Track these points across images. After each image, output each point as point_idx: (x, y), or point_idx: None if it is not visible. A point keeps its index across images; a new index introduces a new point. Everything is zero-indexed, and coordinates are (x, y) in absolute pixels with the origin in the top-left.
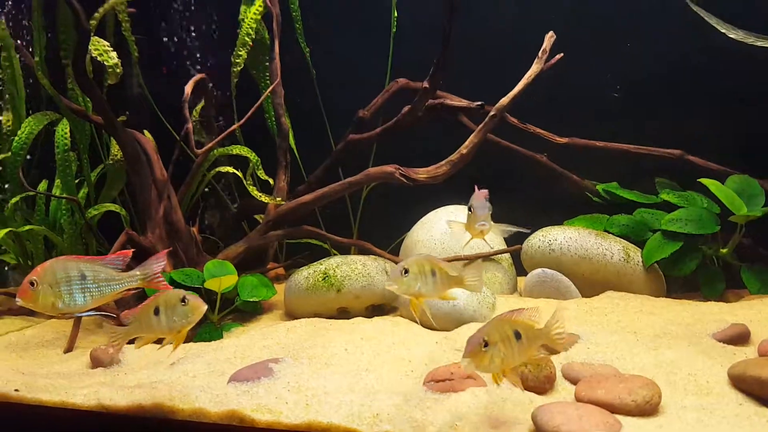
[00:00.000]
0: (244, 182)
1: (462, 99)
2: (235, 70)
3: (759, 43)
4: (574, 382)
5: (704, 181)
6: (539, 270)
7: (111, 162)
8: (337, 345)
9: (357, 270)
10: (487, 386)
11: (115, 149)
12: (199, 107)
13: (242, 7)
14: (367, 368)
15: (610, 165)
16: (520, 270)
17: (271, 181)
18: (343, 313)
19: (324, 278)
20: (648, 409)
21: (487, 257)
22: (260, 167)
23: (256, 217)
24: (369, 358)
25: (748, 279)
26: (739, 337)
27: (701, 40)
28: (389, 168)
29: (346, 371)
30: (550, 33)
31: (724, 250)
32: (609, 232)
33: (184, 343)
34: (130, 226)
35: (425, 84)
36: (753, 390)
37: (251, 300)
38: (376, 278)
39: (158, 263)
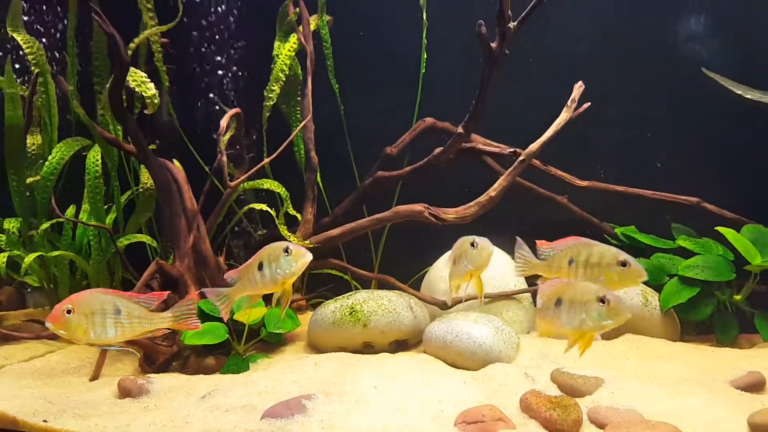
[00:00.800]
0: (276, 221)
1: (494, 143)
2: (267, 104)
3: None
4: (600, 426)
5: (722, 229)
6: None
7: (141, 190)
8: (366, 382)
9: (383, 306)
10: (517, 428)
11: (146, 177)
12: (226, 138)
13: (276, 43)
14: (398, 408)
15: (627, 208)
16: None
17: (299, 216)
18: (368, 348)
19: (351, 313)
20: None
21: (509, 296)
22: (289, 202)
23: None
24: (399, 396)
25: (761, 326)
26: (755, 385)
27: (721, 94)
28: (418, 207)
29: (377, 410)
30: (579, 83)
31: (738, 297)
32: None
33: (211, 374)
34: (157, 254)
35: (460, 129)
36: None
37: (277, 332)
38: (402, 314)
39: (188, 306)
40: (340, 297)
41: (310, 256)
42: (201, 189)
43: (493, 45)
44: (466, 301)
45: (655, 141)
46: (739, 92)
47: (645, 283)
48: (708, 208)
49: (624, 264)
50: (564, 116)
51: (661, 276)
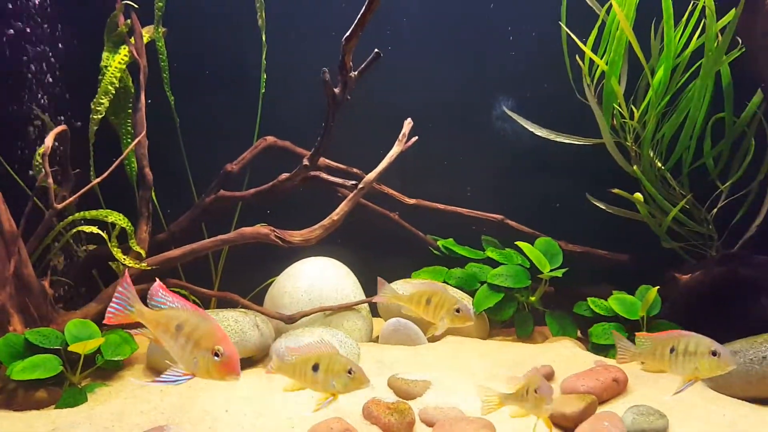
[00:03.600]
0: (109, 244)
1: (339, 171)
2: (95, 117)
3: (558, 139)
4: (430, 425)
5: (520, 244)
6: (394, 320)
7: None
8: (217, 406)
9: (230, 326)
10: None
11: None
12: (40, 151)
13: (105, 54)
14: (251, 428)
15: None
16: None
17: (133, 243)
18: None
19: None
20: None
21: (349, 307)
22: (133, 237)
23: (112, 265)
24: (251, 419)
25: (550, 323)
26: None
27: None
28: (264, 229)
29: None
30: (408, 120)
31: (533, 299)
32: (447, 283)
33: (46, 408)
34: None
35: (305, 162)
36: (560, 422)
37: (115, 359)
38: (248, 333)
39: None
40: None
41: (369, 385)
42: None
43: (336, 90)
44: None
45: (470, 168)
46: (531, 129)
47: (459, 288)
48: (510, 224)
49: (715, 353)
50: (396, 149)
51: (474, 283)
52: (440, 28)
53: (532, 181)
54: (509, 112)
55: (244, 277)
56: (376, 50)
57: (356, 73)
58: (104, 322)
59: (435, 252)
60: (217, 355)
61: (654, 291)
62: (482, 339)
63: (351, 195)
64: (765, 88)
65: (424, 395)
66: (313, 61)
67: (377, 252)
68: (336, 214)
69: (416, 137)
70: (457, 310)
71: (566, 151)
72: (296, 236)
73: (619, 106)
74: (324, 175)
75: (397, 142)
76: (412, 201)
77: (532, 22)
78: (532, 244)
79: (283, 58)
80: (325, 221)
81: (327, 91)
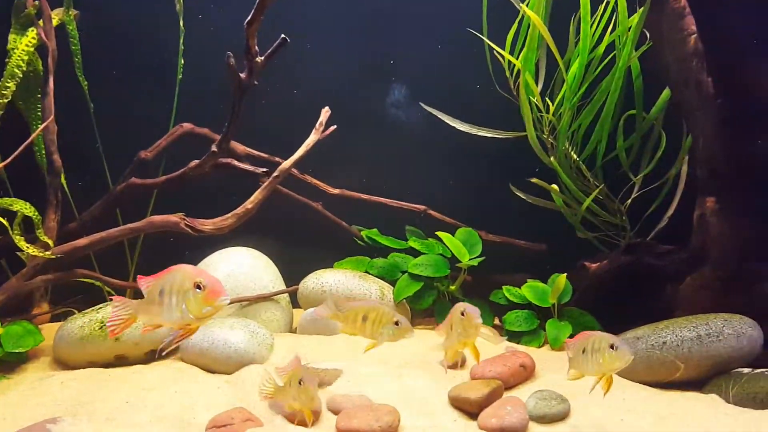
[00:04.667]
0: (11, 232)
1: (262, 154)
2: (1, 102)
3: (480, 133)
4: (335, 413)
5: (440, 234)
6: (312, 309)
7: None
8: (118, 398)
9: None
10: (264, 425)
11: None
12: None
13: (11, 36)
14: (151, 420)
15: (374, 213)
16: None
17: (39, 232)
18: (121, 360)
19: (101, 327)
20: None
21: (267, 298)
22: (41, 227)
23: (20, 255)
24: (152, 408)
25: None
26: (459, 363)
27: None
28: (174, 218)
29: (128, 426)
30: (326, 108)
31: (453, 287)
32: (370, 273)
33: None
34: None
35: (214, 148)
36: (465, 407)
37: (16, 351)
38: None
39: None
40: (89, 310)
41: (413, 334)
42: None
43: (242, 76)
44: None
45: (394, 159)
46: (453, 124)
47: (380, 277)
48: (432, 214)
49: (613, 347)
50: (313, 138)
51: (395, 272)
52: (362, 20)
53: (456, 172)
54: (428, 108)
55: (163, 268)
56: (282, 36)
57: (263, 58)
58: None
59: (359, 242)
60: (199, 287)
61: (563, 278)
62: None
63: (266, 183)
64: (671, 85)
65: (335, 384)
66: (232, 46)
67: (300, 242)
68: (250, 203)
69: (334, 126)
70: (396, 323)
71: (489, 142)
72: (208, 225)
73: (538, 100)
74: (235, 163)
75: (314, 131)
76: (335, 191)
77: (457, 15)
78: (454, 235)
79: (201, 43)
80: (239, 210)
81: (232, 77)
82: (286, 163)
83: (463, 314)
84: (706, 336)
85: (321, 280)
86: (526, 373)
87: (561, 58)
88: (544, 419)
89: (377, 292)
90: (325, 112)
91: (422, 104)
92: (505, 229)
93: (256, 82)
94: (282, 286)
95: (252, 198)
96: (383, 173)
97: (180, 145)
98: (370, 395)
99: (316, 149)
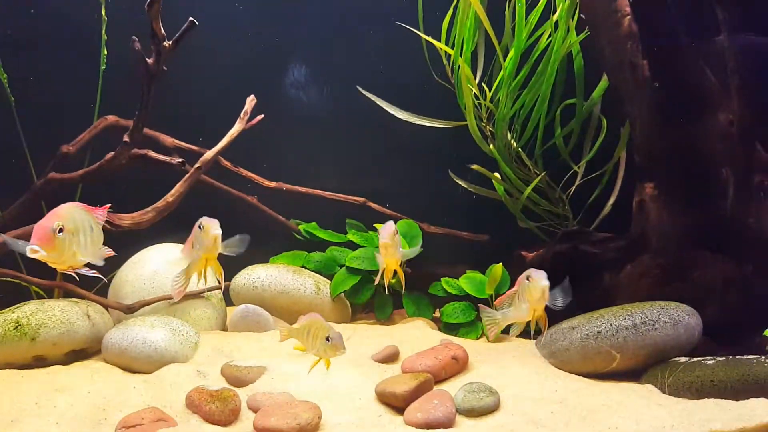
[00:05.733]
0: None
1: (186, 145)
2: None
3: (420, 122)
4: (255, 411)
5: (378, 226)
6: (243, 306)
7: None
8: (27, 399)
9: (55, 317)
10: (179, 425)
11: None
12: None
13: None
14: (58, 421)
15: (314, 207)
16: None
17: None
18: (40, 361)
19: (16, 327)
20: (309, 429)
21: (197, 295)
22: None
23: None
24: (62, 409)
25: (407, 304)
26: (391, 357)
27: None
28: None
29: (34, 428)
30: (251, 97)
31: (393, 280)
32: (306, 268)
33: None
34: None
35: (126, 139)
36: (391, 402)
37: None
38: (77, 324)
39: None
40: (5, 311)
41: (344, 352)
42: None
43: (149, 61)
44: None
45: (334, 150)
46: (392, 112)
47: (317, 272)
48: (372, 206)
49: (329, 339)
50: (237, 127)
51: (333, 267)
52: (296, 4)
53: (399, 164)
54: (369, 95)
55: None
56: (190, 18)
57: (170, 42)
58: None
59: (298, 236)
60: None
61: (499, 268)
62: (344, 323)
63: (187, 175)
64: (606, 69)
65: (257, 381)
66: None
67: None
68: (171, 196)
69: (262, 115)
70: (327, 339)
71: (433, 132)
72: (126, 219)
73: (474, 87)
74: (152, 154)
75: (238, 120)
76: (272, 184)
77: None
78: None
79: (126, 33)
80: (159, 203)
81: (139, 62)
82: (209, 154)
83: (528, 279)
84: (641, 324)
85: (253, 275)
86: (458, 365)
87: (498, 43)
88: (472, 412)
89: (312, 287)
90: (251, 101)
91: (360, 89)
92: (450, 220)
93: (165, 68)
94: (214, 283)
95: (173, 191)
96: (322, 165)
97: (111, 138)
98: (294, 392)
99: (251, 141)
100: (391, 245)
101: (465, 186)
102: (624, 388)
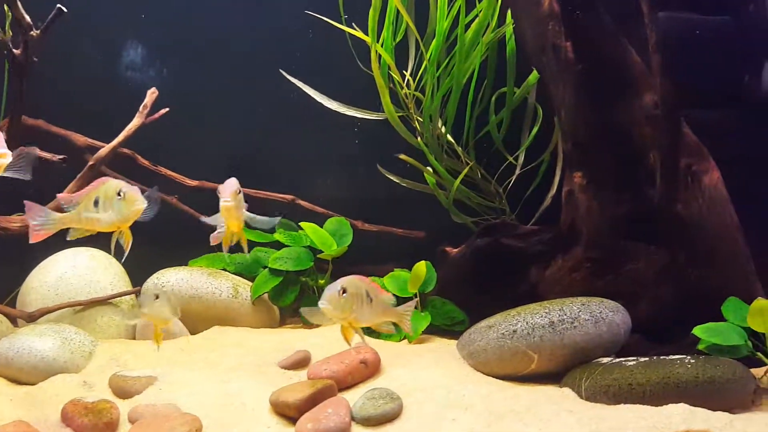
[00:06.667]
0: None
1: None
2: None
3: (348, 112)
4: (133, 423)
5: (303, 224)
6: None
7: None
8: None
9: None
10: None
11: None
12: None
13: None
14: None
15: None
16: None
17: None
18: None
19: None
20: None
21: (104, 301)
22: None
23: None
24: None
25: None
26: (301, 363)
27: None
28: None
29: None
30: (152, 89)
31: (322, 281)
32: (227, 270)
33: None
34: None
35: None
36: (285, 412)
37: None
38: None
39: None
40: None
41: (142, 205)
42: None
43: (16, 52)
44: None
45: (264, 146)
46: (320, 101)
47: (239, 275)
48: (302, 204)
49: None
50: (136, 122)
51: (257, 268)
52: None
53: (331, 159)
54: (294, 80)
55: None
56: (58, 6)
57: (38, 31)
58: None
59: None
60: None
61: (422, 266)
62: (271, 328)
63: (81, 173)
64: (529, 52)
65: (144, 392)
66: (65, 31)
67: (157, 240)
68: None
69: (167, 109)
70: (119, 193)
71: (366, 125)
72: (15, 222)
73: (395, 73)
74: (37, 151)
75: (137, 114)
76: (194, 183)
77: None
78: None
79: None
80: (51, 204)
81: (6, 54)
82: (103, 151)
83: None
84: (559, 322)
85: (162, 280)
86: (367, 370)
87: (419, 31)
88: (369, 421)
89: (229, 290)
90: (151, 93)
91: (284, 73)
92: (388, 217)
93: (35, 59)
94: (126, 288)
95: (66, 191)
96: (252, 162)
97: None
98: (184, 403)
99: (170, 138)
100: (234, 206)
101: (397, 180)
102: (539, 392)
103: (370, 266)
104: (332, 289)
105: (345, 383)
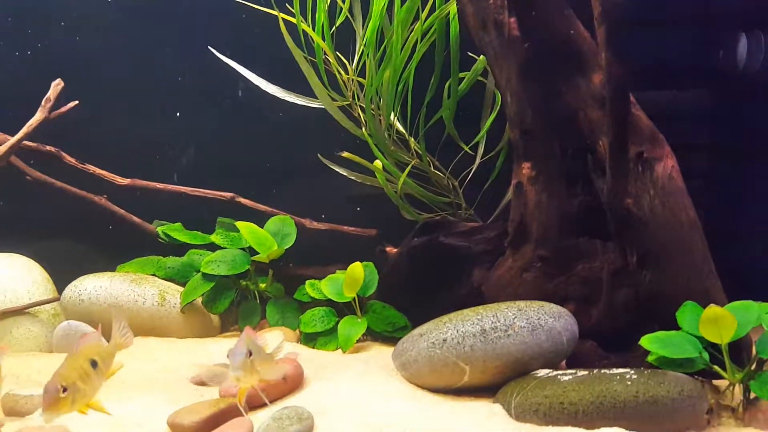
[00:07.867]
0: None
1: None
2: None
3: (288, 98)
4: None
5: (239, 224)
6: (65, 323)
7: None
8: None
9: None
10: None
11: None
12: None
13: None
14: None
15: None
16: None
17: None
18: None
19: None
20: None
21: (18, 311)
22: None
23: None
24: None
25: (270, 312)
26: (216, 378)
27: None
28: None
29: None
30: (57, 81)
31: (263, 285)
32: (157, 276)
33: None
34: None
35: None
36: None
37: None
38: None
39: None
40: None
41: None
42: None
43: None
44: None
45: (199, 141)
46: (259, 85)
47: (171, 280)
48: (243, 202)
49: None
50: (38, 116)
51: (190, 273)
52: None
53: (274, 152)
54: (223, 58)
55: None
56: None
57: None
58: None
59: (162, 240)
60: None
61: (358, 267)
62: (208, 337)
63: None
64: (470, 30)
65: (37, 412)
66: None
67: (84, 244)
68: None
69: (76, 102)
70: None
71: (314, 113)
72: None
73: (331, 57)
74: None
75: (40, 108)
76: (125, 181)
77: None
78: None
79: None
80: None
81: None
82: (2, 148)
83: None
84: (491, 330)
85: (80, 288)
86: (286, 385)
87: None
88: None
89: (155, 297)
90: (56, 86)
91: (210, 48)
92: (339, 214)
93: None
94: (46, 296)
95: None
96: (191, 158)
97: None
98: (77, 424)
99: (100, 134)
100: (245, 377)
101: (344, 173)
102: (465, 410)
103: (312, 267)
104: (239, 355)
105: (259, 401)
